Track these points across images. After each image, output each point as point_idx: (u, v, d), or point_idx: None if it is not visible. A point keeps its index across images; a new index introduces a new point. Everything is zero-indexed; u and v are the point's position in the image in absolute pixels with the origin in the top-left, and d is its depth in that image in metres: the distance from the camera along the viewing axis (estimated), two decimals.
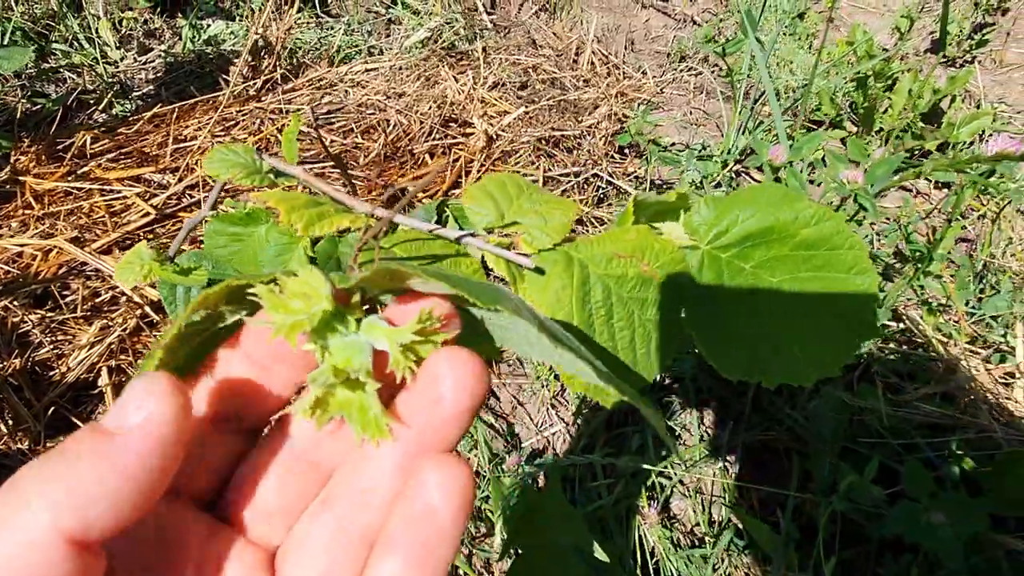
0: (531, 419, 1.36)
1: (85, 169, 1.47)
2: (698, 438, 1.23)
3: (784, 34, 2.19)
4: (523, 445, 1.32)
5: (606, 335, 0.49)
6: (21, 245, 1.31)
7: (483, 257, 0.50)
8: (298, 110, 1.20)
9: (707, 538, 1.17)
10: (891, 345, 1.13)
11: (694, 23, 2.39)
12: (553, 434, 1.33)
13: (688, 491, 1.22)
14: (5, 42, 1.74)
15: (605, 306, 0.47)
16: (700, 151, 1.70)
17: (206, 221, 0.88)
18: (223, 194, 1.46)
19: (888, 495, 1.00)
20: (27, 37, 1.91)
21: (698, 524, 1.20)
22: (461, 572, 1.12)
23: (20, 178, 1.44)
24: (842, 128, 1.95)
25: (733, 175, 1.78)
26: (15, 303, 1.26)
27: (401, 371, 0.27)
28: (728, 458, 1.21)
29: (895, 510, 0.85)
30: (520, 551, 0.96)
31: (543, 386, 1.38)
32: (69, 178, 1.44)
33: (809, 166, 1.52)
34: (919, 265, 0.98)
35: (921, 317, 1.07)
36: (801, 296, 0.49)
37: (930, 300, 1.10)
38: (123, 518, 0.22)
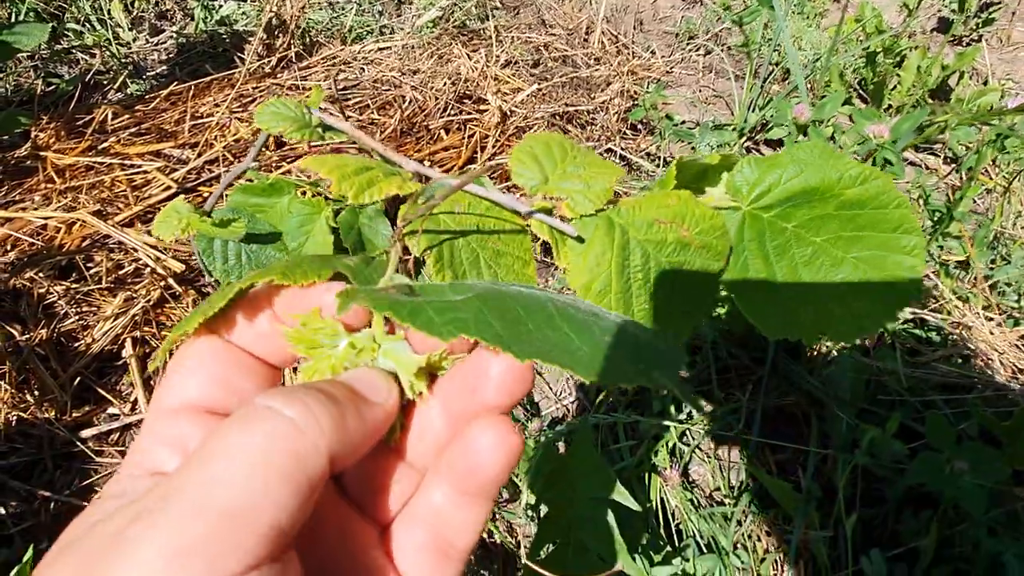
0: (550, 388, 1.37)
1: (105, 144, 1.48)
2: (718, 403, 1.25)
3: (793, 12, 2.20)
4: (543, 413, 1.34)
5: (644, 298, 0.50)
6: (45, 218, 1.32)
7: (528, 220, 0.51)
8: (316, 85, 1.21)
9: (727, 500, 1.19)
10: (908, 308, 1.15)
11: (701, 3, 2.40)
12: (572, 402, 1.35)
13: (708, 455, 1.24)
14: (15, 20, 1.75)
15: (643, 270, 0.48)
16: (710, 127, 1.72)
17: (245, 177, 0.89)
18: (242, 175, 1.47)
19: (909, 451, 1.02)
20: (40, 18, 1.92)
21: (718, 488, 1.22)
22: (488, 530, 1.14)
23: (41, 153, 1.45)
24: (851, 104, 1.96)
25: (744, 151, 1.79)
26: (40, 275, 1.27)
27: (413, 396, 0.29)
28: (747, 422, 1.22)
29: (918, 460, 0.87)
30: (550, 506, 0.97)
31: None
32: (90, 153, 1.45)
33: (829, 138, 1.53)
34: (938, 226, 1.00)
35: (939, 279, 1.08)
36: (844, 255, 0.49)
37: (947, 262, 1.12)
38: (345, 465, 0.26)
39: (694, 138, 1.57)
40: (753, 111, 1.81)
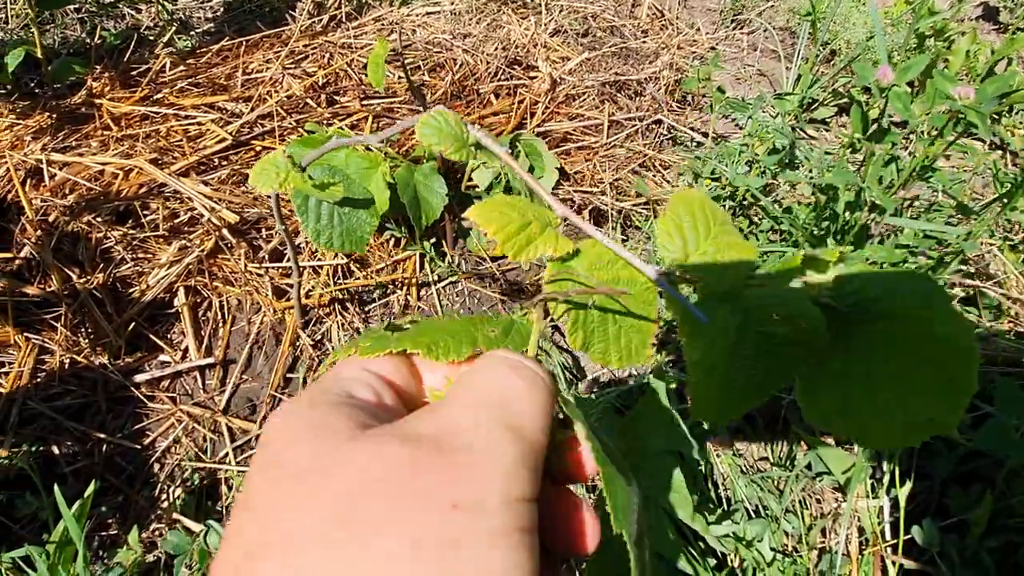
0: None
1: (159, 95, 1.48)
2: None
3: None
4: (588, 376, 1.34)
5: (742, 381, 0.52)
6: (102, 164, 1.33)
7: (660, 291, 0.53)
8: (381, 38, 1.20)
9: (775, 468, 1.19)
10: (968, 281, 1.15)
11: None
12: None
13: (756, 424, 1.24)
14: None
15: (751, 357, 0.51)
16: (764, 101, 1.71)
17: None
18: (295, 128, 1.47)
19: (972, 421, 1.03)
20: None
21: (765, 457, 1.23)
22: None
23: (96, 101, 1.45)
24: (911, 84, 1.94)
25: (791, 128, 1.78)
26: (98, 219, 1.28)
27: None
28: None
29: (985, 427, 0.87)
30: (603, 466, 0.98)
31: None
32: (145, 102, 1.45)
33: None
34: (1006, 200, 0.99)
35: (1003, 253, 1.08)
36: (911, 379, 0.50)
37: (1011, 237, 1.11)
38: None
39: (746, 109, 1.56)
40: (804, 81, 1.80)
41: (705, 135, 1.73)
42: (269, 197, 1.02)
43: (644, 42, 1.83)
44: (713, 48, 2.08)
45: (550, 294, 0.48)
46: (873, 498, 1.11)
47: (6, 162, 1.30)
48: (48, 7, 1.42)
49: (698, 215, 0.58)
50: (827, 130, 1.99)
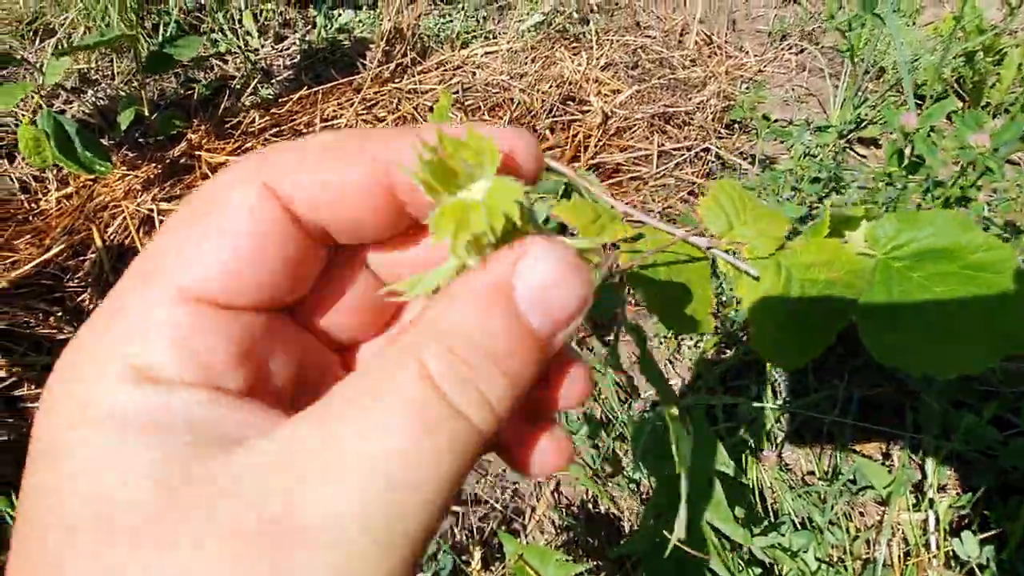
0: None
1: (249, 145, 1.65)
2: (812, 390, 1.33)
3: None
4: (641, 396, 1.44)
5: (795, 323, 0.62)
6: None
7: (713, 259, 0.64)
8: (444, 91, 1.34)
9: (820, 482, 1.26)
10: None
11: (795, 2, 2.43)
12: (671, 385, 1.45)
13: (803, 440, 1.32)
14: (168, 34, 1.95)
15: (801, 303, 0.61)
16: (808, 126, 1.77)
17: None
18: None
19: (1002, 439, 1.08)
20: (181, 30, 2.12)
21: (811, 472, 1.30)
22: (593, 495, 1.26)
23: (195, 152, 1.63)
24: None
25: (837, 150, 1.84)
26: None
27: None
28: (843, 409, 1.30)
29: (1017, 444, 0.94)
30: (660, 478, 1.08)
31: (660, 343, 1.50)
32: (238, 153, 1.63)
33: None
34: None
35: None
36: (960, 306, 0.59)
37: None
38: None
39: (790, 137, 1.63)
40: (844, 107, 1.86)
41: (754, 159, 1.80)
42: None
43: (692, 71, 1.92)
44: (761, 71, 2.15)
45: (628, 249, 0.60)
46: (915, 510, 1.17)
47: (123, 211, 1.49)
48: (156, 71, 1.61)
49: (735, 197, 0.70)
50: (878, 147, 2.03)
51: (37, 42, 1.97)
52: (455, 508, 1.27)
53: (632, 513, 1.26)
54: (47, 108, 1.35)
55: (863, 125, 1.96)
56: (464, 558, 1.18)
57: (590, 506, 1.30)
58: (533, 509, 1.29)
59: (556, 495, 1.31)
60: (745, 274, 0.60)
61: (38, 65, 1.57)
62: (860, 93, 1.92)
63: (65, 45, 1.82)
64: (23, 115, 1.70)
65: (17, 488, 0.21)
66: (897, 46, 1.18)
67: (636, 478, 1.27)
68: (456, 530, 1.25)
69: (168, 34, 1.93)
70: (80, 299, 1.38)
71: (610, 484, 1.29)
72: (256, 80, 1.97)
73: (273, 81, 2.01)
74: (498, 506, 1.28)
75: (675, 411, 0.45)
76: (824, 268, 0.60)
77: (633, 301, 1.48)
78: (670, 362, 1.48)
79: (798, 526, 1.22)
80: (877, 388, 1.32)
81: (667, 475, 1.05)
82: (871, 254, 0.63)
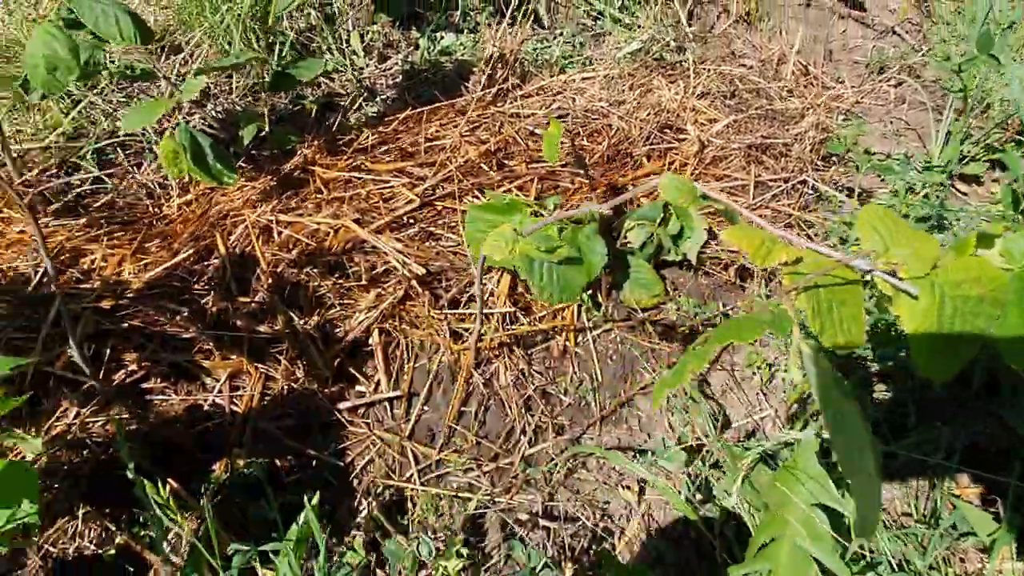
0: (740, 402, 1.48)
1: (359, 162, 1.74)
2: (914, 431, 1.31)
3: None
4: (733, 425, 1.45)
5: (948, 337, 0.65)
6: (317, 223, 1.59)
7: (871, 277, 0.67)
8: (554, 120, 1.38)
9: (918, 524, 1.25)
10: None
11: (894, 33, 2.40)
12: (762, 417, 1.45)
13: (901, 480, 1.31)
14: (283, 53, 2.06)
15: (951, 319, 0.63)
16: (910, 161, 1.75)
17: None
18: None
19: None
20: (292, 47, 2.24)
21: (908, 513, 1.29)
22: (682, 514, 1.27)
23: (309, 167, 1.73)
24: None
25: (939, 185, 1.81)
26: (314, 270, 1.53)
27: None
28: (947, 452, 1.28)
29: None
30: (766, 508, 1.09)
31: (754, 374, 1.50)
32: (348, 169, 1.72)
33: None
34: None
35: None
36: None
37: None
38: None
39: (892, 172, 1.62)
40: (953, 146, 1.83)
41: (851, 191, 1.79)
42: (471, 260, 1.21)
43: (789, 102, 1.92)
44: (858, 102, 2.13)
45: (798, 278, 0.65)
46: (1019, 560, 1.14)
47: (245, 220, 1.58)
48: (278, 89, 1.72)
49: (887, 220, 0.74)
50: (979, 184, 1.99)
51: (163, 58, 2.11)
52: (547, 524, 1.30)
53: (721, 539, 1.27)
54: (184, 123, 1.46)
55: (965, 161, 1.93)
56: (555, 573, 1.21)
57: (680, 530, 1.32)
58: (623, 531, 1.31)
59: (647, 518, 1.33)
60: (905, 293, 0.63)
61: (173, 81, 1.69)
62: (964, 129, 1.89)
63: (195, 64, 1.95)
64: (151, 126, 1.83)
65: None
66: (1015, 91, 1.17)
67: (727, 506, 1.28)
68: (548, 545, 1.28)
69: (283, 54, 2.04)
70: (204, 301, 1.48)
71: (702, 510, 1.30)
72: (361, 98, 2.06)
73: (377, 99, 2.10)
74: (588, 523, 1.31)
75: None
76: (973, 284, 0.63)
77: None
78: (763, 393, 1.48)
79: (894, 567, 1.21)
80: (984, 432, 1.30)
81: (775, 505, 1.06)
82: (1009, 268, 0.66)
